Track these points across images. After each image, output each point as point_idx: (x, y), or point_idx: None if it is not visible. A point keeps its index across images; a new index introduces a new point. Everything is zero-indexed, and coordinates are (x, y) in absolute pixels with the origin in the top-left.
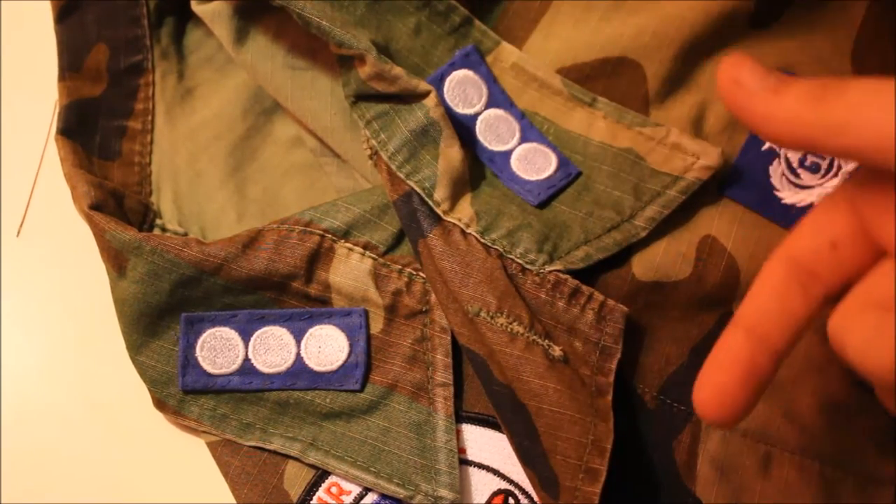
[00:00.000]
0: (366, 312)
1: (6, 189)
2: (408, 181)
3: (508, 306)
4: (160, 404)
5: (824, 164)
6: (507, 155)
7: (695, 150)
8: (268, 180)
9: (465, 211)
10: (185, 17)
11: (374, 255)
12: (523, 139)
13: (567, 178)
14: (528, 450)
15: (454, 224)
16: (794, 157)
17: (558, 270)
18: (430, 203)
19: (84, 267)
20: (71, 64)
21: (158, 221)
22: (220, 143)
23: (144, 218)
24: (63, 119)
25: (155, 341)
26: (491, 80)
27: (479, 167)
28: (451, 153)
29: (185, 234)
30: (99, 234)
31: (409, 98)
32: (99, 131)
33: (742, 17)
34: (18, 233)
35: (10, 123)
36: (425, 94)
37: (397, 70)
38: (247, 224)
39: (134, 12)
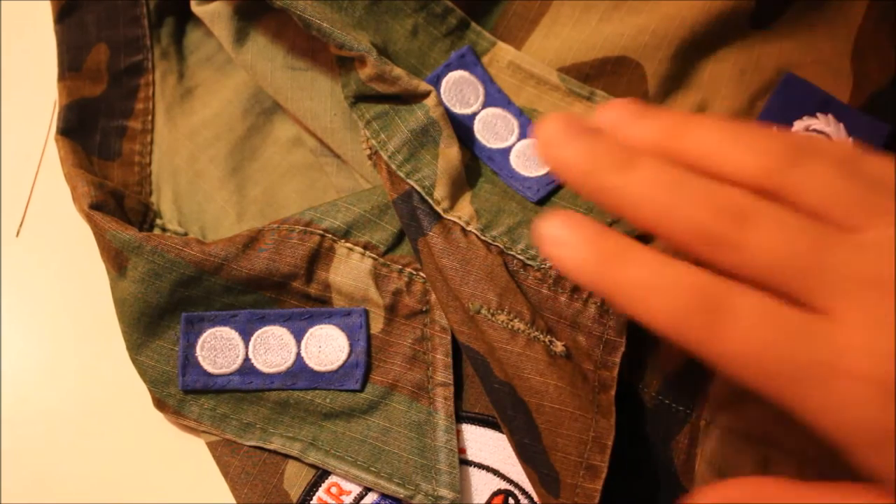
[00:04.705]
0: (366, 312)
1: (6, 189)
2: (407, 180)
3: (509, 303)
4: (160, 404)
5: None
6: (506, 152)
7: None
8: (268, 180)
9: (464, 209)
10: (184, 17)
11: (374, 255)
12: (522, 135)
13: None
14: (529, 447)
15: (454, 222)
16: None
17: None
18: (430, 201)
19: (84, 267)
20: (71, 64)
21: (158, 221)
22: (219, 143)
23: (144, 218)
24: (63, 119)
25: (155, 341)
26: (487, 80)
27: (478, 166)
28: (450, 153)
29: (185, 234)
30: (99, 234)
31: (410, 98)
32: (99, 131)
33: (742, 17)
34: (18, 233)
35: (10, 123)
36: (426, 94)
37: (398, 71)
38: (247, 224)
39: (134, 12)
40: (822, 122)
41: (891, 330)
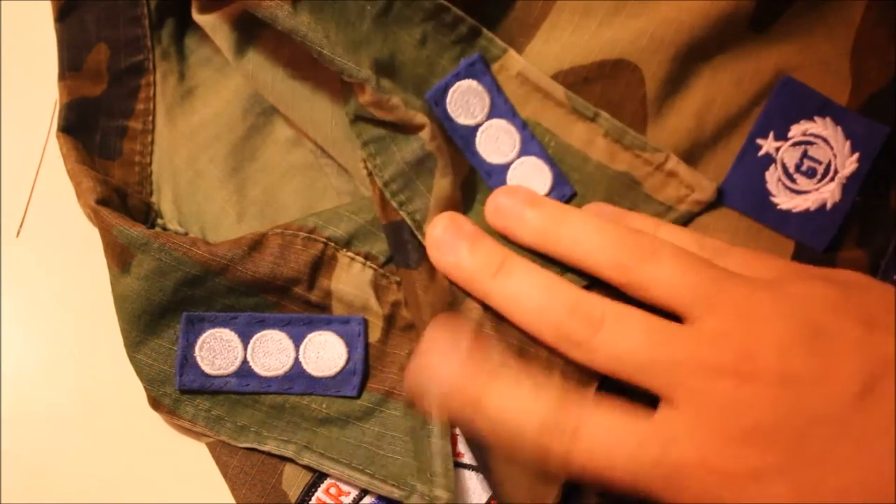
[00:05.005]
0: (364, 321)
1: (6, 189)
2: (400, 211)
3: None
4: (155, 403)
5: (821, 169)
6: (504, 169)
7: (690, 181)
8: (268, 180)
9: None
10: (185, 18)
11: (374, 266)
12: (522, 152)
13: (561, 199)
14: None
15: None
16: (791, 161)
17: None
18: (419, 237)
19: (84, 267)
20: (71, 63)
21: (159, 221)
22: (219, 144)
23: (146, 217)
24: (64, 118)
25: (154, 339)
26: (495, 90)
27: (475, 181)
28: (444, 183)
29: (186, 234)
30: (105, 230)
31: (406, 128)
32: (99, 130)
33: (741, 19)
34: (18, 233)
35: (10, 124)
36: (420, 127)
37: (395, 100)
38: (246, 224)
39: (134, 12)
40: (820, 126)
41: (713, 414)
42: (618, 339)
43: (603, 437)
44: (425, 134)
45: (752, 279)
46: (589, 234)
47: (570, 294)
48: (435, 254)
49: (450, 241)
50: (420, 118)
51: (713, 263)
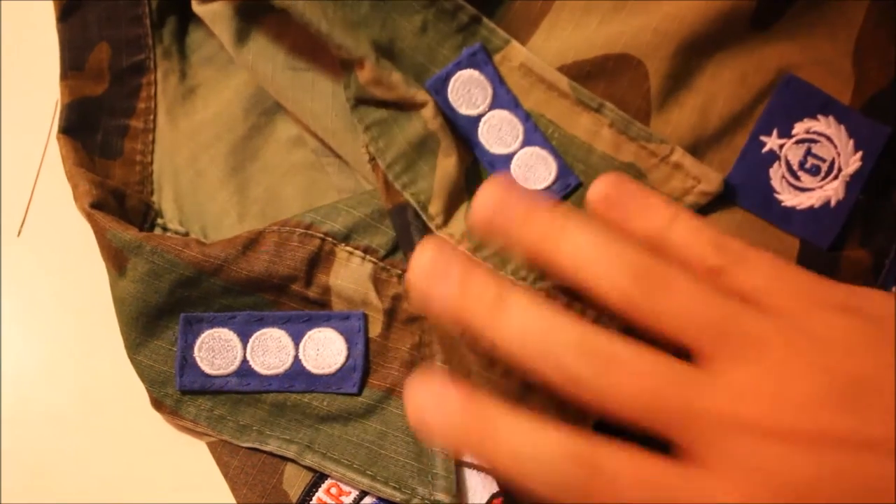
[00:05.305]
0: (364, 316)
1: (6, 189)
2: (404, 193)
3: None
4: (157, 404)
5: (824, 167)
6: (507, 159)
7: (696, 173)
8: (269, 180)
9: (458, 226)
10: (186, 17)
11: (374, 259)
12: (526, 142)
13: (565, 189)
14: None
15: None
16: (795, 159)
17: (549, 286)
18: (424, 217)
19: (84, 267)
20: (73, 63)
21: (160, 221)
22: (220, 143)
23: (146, 217)
24: (65, 118)
25: (153, 341)
26: (497, 81)
27: (479, 170)
28: (448, 163)
29: (187, 234)
30: (100, 234)
31: (407, 106)
32: (101, 130)
33: (742, 17)
34: (19, 233)
35: (12, 123)
36: (423, 105)
37: (395, 77)
38: (248, 224)
39: (136, 11)
40: (823, 125)
41: (751, 478)
42: (629, 382)
43: (633, 482)
44: (427, 112)
45: (772, 314)
46: (591, 256)
47: (574, 331)
48: (422, 286)
49: (438, 274)
50: (422, 95)
51: (729, 295)
